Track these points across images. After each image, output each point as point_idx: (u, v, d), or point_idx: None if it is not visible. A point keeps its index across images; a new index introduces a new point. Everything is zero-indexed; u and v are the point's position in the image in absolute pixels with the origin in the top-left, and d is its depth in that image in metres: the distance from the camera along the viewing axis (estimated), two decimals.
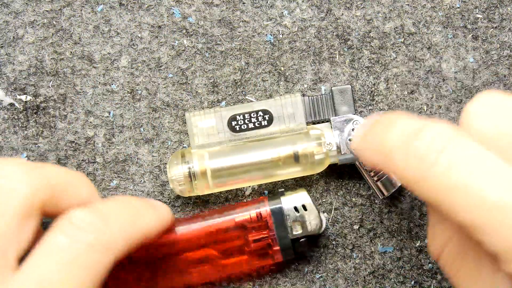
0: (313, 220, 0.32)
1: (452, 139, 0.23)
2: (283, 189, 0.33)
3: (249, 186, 0.34)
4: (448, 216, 0.23)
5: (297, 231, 0.32)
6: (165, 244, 0.32)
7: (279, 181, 0.34)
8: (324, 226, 0.32)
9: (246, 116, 0.33)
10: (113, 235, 0.26)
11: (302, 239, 0.32)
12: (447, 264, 0.26)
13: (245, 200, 0.34)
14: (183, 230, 0.32)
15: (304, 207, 0.32)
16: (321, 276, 0.34)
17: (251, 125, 0.33)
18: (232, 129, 0.32)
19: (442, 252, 0.27)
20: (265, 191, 0.34)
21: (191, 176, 0.32)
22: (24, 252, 0.25)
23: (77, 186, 0.27)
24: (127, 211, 0.27)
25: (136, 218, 0.28)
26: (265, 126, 0.33)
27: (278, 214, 0.32)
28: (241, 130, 0.33)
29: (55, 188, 0.26)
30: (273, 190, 0.34)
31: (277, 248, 0.32)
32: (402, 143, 0.25)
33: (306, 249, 0.32)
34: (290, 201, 0.32)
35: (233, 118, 0.33)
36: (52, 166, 0.27)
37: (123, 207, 0.28)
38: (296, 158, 0.32)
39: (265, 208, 0.32)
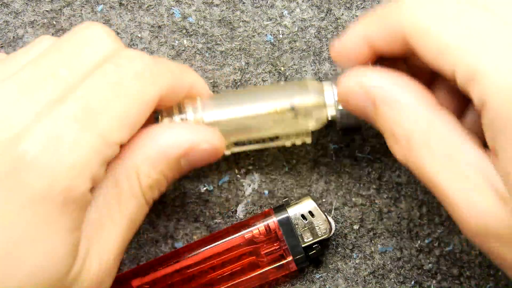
0: (321, 225, 0.32)
1: None
2: (287, 199, 0.33)
3: (249, 186, 0.34)
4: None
5: (308, 238, 0.32)
6: (176, 271, 0.32)
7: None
8: (333, 229, 0.32)
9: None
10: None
11: (314, 245, 0.32)
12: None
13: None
14: (193, 255, 0.32)
15: (311, 213, 0.32)
16: (321, 276, 0.34)
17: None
18: None
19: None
20: (265, 191, 0.34)
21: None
22: None
23: None
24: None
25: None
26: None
27: (287, 224, 0.32)
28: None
29: None
30: (273, 190, 0.34)
31: (290, 258, 0.32)
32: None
33: (319, 255, 0.32)
34: (296, 209, 0.32)
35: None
36: None
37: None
38: (293, 110, 0.30)
39: (272, 220, 0.32)
